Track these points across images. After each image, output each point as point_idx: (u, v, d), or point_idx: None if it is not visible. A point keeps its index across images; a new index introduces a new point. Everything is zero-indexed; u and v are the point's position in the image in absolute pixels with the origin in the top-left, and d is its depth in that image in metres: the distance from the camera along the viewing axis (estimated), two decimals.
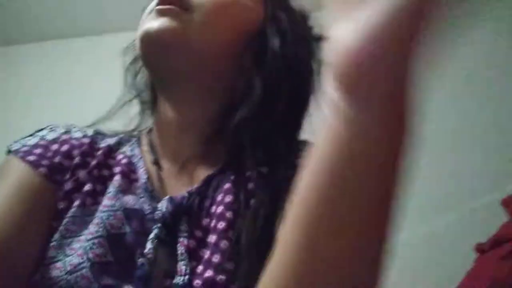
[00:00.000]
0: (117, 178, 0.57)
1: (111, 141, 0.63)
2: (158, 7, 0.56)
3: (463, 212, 1.63)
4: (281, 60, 0.60)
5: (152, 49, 0.58)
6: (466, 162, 1.72)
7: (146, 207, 0.54)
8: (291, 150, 0.59)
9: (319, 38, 0.66)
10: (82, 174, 0.57)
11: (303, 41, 0.65)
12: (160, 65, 0.59)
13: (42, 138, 0.60)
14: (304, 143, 0.61)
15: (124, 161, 0.60)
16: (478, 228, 1.21)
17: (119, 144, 0.64)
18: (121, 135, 0.66)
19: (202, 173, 0.58)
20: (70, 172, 0.57)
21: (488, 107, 1.80)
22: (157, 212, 0.53)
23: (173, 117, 0.61)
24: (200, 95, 0.61)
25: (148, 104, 0.68)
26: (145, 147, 0.63)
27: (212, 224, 0.52)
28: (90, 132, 0.63)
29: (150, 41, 0.57)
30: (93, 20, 2.27)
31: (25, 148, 0.58)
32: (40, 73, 2.34)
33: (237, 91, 0.60)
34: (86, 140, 0.61)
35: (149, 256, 0.49)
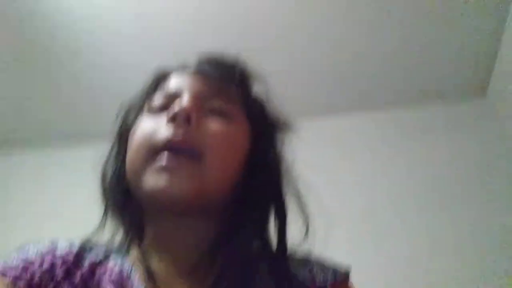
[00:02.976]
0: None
1: (98, 253, 0.63)
2: (168, 164, 0.57)
3: None
4: (272, 172, 0.67)
5: (170, 207, 0.59)
6: (468, 267, 1.75)
7: None
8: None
9: (283, 126, 0.72)
10: (66, 286, 0.56)
11: (280, 147, 0.71)
12: (169, 207, 0.60)
13: (24, 255, 0.60)
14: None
15: (114, 274, 0.59)
16: None
17: (106, 257, 0.63)
18: (109, 247, 0.66)
19: (202, 284, 0.58)
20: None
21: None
22: None
23: (169, 236, 0.62)
24: (204, 220, 0.63)
25: (134, 223, 0.68)
26: (136, 258, 0.62)
27: None
28: (76, 245, 0.63)
29: (169, 202, 0.57)
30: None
31: (6, 265, 0.58)
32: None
33: (238, 206, 0.63)
34: (70, 256, 0.61)
35: None
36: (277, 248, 0.65)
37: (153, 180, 0.57)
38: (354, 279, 0.64)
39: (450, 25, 2.00)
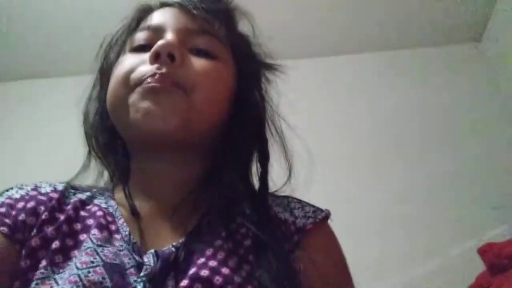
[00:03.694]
0: (94, 231, 0.55)
1: (82, 195, 0.62)
2: (160, 85, 0.56)
3: (442, 261, 1.67)
4: (257, 111, 0.67)
5: (155, 131, 0.57)
6: (443, 212, 1.77)
7: (127, 261, 0.53)
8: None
9: (270, 66, 0.72)
10: (49, 230, 0.55)
11: (265, 87, 0.71)
12: (155, 141, 0.59)
13: (8, 197, 0.58)
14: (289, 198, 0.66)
15: (99, 213, 0.59)
16: (457, 277, 1.26)
17: (92, 197, 0.63)
18: (94, 189, 0.65)
19: (185, 224, 0.58)
20: (36, 229, 0.54)
21: (464, 158, 1.88)
22: (145, 267, 0.52)
23: (155, 174, 0.62)
24: (189, 157, 0.63)
25: (119, 163, 0.67)
26: (121, 199, 0.62)
27: (204, 278, 0.51)
28: (60, 186, 0.63)
29: (154, 125, 0.56)
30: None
31: None
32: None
33: (223, 146, 0.64)
34: (55, 195, 0.60)
35: None
36: (259, 188, 0.65)
37: (139, 105, 0.56)
38: (333, 221, 0.65)
39: None
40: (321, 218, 0.63)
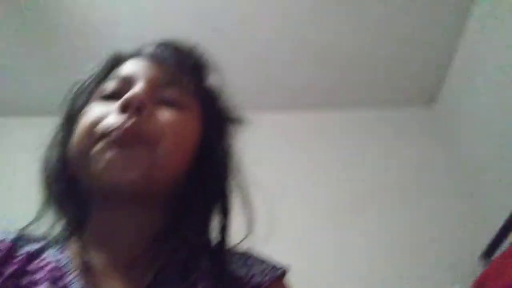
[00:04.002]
0: (43, 286, 0.53)
1: (33, 246, 0.60)
2: (124, 139, 0.56)
3: None
4: (221, 164, 0.67)
5: (115, 183, 0.56)
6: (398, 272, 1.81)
7: None
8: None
9: (236, 119, 0.73)
10: None
11: (231, 140, 0.72)
12: (115, 193, 0.58)
13: None
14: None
15: (49, 267, 0.56)
16: None
17: (43, 249, 0.60)
18: (47, 239, 0.63)
19: (142, 278, 0.56)
20: None
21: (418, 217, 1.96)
22: None
23: (113, 226, 0.60)
24: (149, 210, 0.61)
25: (75, 213, 0.66)
26: (74, 251, 0.60)
27: None
28: (11, 235, 0.60)
29: (115, 177, 0.55)
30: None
31: None
32: None
33: (184, 199, 0.63)
34: (3, 247, 0.58)
35: None
36: (218, 243, 0.65)
37: (101, 157, 0.56)
38: (293, 277, 0.65)
39: (406, 38, 2.08)
40: (278, 275, 0.63)
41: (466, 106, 2.10)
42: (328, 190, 2.05)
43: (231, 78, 0.72)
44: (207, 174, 0.65)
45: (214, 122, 0.69)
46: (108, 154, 0.55)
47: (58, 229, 0.65)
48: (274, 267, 0.64)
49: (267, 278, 0.62)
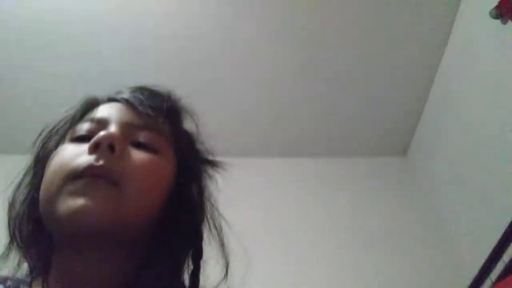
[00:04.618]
0: None
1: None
2: (85, 187, 0.54)
3: None
4: (194, 208, 0.66)
5: (83, 227, 0.54)
6: None
7: None
8: None
9: (211, 163, 0.72)
10: None
11: (206, 180, 0.71)
12: (82, 236, 0.56)
13: None
14: None
15: None
16: None
17: None
18: (9, 281, 0.60)
19: None
20: None
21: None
22: None
23: (80, 270, 0.58)
24: (118, 254, 0.59)
25: (41, 255, 0.63)
26: None
27: None
28: None
29: (83, 221, 0.53)
30: None
31: None
32: None
33: (156, 243, 0.61)
34: None
35: None
36: (189, 286, 0.63)
37: (68, 203, 0.54)
38: None
39: (378, 94, 2.17)
40: None
41: (438, 155, 2.16)
42: (300, 235, 2.06)
43: (207, 123, 0.73)
44: (181, 217, 0.64)
45: (189, 165, 0.68)
46: (75, 200, 0.54)
47: (23, 270, 0.63)
48: None
49: None
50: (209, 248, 0.66)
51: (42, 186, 0.59)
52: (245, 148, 2.25)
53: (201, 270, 0.64)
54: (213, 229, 0.68)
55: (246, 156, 2.18)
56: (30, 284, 0.60)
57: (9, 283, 0.60)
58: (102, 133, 0.58)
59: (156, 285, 0.58)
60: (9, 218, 0.64)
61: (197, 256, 0.64)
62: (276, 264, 1.90)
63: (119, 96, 0.69)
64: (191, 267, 0.64)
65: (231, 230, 0.69)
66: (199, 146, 0.72)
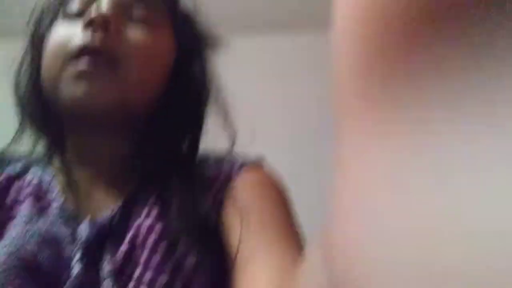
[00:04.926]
0: (27, 203, 0.54)
1: (16, 166, 0.60)
2: (86, 69, 0.54)
3: None
4: (196, 84, 0.65)
5: (88, 112, 0.55)
6: None
7: (64, 231, 0.52)
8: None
9: (212, 42, 0.70)
10: None
11: (207, 60, 0.69)
12: (88, 119, 0.57)
13: None
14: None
15: (34, 183, 0.58)
16: None
17: (26, 167, 0.61)
18: (29, 158, 0.63)
19: (122, 191, 0.58)
20: None
21: None
22: (79, 236, 0.50)
23: (91, 147, 0.60)
24: (125, 131, 0.61)
25: (54, 133, 0.65)
26: (57, 168, 0.61)
27: (140, 239, 0.51)
28: None
29: (88, 111, 0.55)
30: None
31: None
32: None
33: (160, 120, 0.62)
34: None
35: (73, 283, 0.47)
36: (188, 150, 0.65)
37: (71, 88, 0.54)
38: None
39: None
40: (250, 162, 0.62)
41: None
42: (308, 113, 2.07)
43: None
44: (184, 94, 0.64)
45: (189, 43, 0.66)
46: (77, 86, 0.54)
47: (40, 147, 0.65)
48: (246, 158, 0.63)
49: (236, 168, 0.60)
50: (214, 127, 0.66)
51: (43, 68, 0.59)
52: (246, 24, 2.16)
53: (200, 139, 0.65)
54: (217, 104, 0.68)
55: (247, 32, 2.09)
56: (49, 159, 0.63)
57: (29, 159, 0.62)
58: (94, 11, 0.57)
59: (158, 159, 0.61)
60: (16, 100, 0.65)
61: (198, 130, 0.66)
62: (281, 138, 1.93)
63: None
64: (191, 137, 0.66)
65: (235, 105, 0.68)
66: (199, 23, 0.70)
